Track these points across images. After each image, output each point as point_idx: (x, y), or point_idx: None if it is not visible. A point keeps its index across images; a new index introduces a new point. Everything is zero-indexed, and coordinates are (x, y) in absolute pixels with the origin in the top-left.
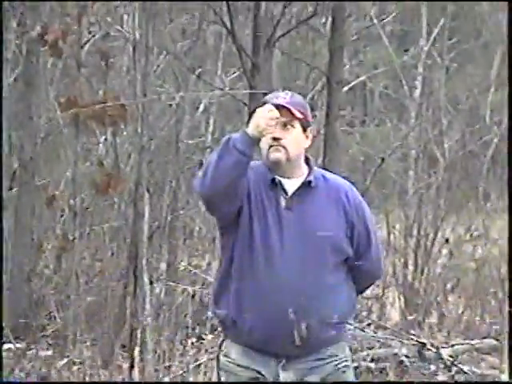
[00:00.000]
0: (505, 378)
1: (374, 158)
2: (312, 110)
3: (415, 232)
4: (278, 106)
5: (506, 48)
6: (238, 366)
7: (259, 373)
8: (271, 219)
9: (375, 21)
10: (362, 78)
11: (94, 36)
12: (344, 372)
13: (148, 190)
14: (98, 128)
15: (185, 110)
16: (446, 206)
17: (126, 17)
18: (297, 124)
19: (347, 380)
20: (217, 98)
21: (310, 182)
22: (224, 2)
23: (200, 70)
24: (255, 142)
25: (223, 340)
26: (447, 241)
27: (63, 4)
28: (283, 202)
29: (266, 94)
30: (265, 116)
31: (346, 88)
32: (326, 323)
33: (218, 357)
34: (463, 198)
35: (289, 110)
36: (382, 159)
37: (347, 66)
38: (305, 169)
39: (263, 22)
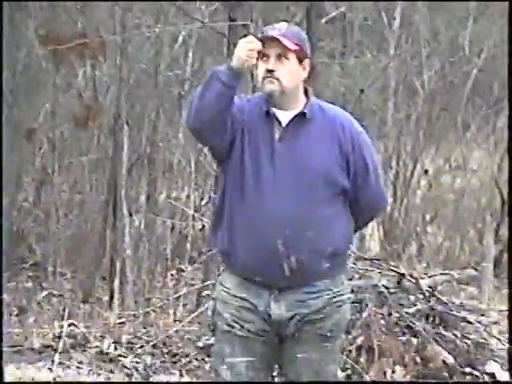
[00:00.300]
0: (483, 307)
1: (353, 89)
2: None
3: (394, 163)
4: (271, 38)
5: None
6: (233, 295)
7: (251, 303)
8: (264, 151)
9: None
10: (341, 10)
11: None
12: (338, 307)
13: (127, 123)
14: (77, 61)
15: (164, 42)
16: (425, 138)
17: None
18: (291, 56)
19: (340, 314)
20: (196, 30)
21: (304, 113)
22: None
23: (179, 1)
24: (239, 73)
25: (222, 270)
26: (426, 172)
27: None
28: (277, 134)
29: (245, 26)
30: (245, 47)
31: (325, 19)
32: (318, 255)
33: (214, 285)
34: (442, 129)
35: (280, 41)
36: (362, 90)
37: None
38: (303, 100)
39: None
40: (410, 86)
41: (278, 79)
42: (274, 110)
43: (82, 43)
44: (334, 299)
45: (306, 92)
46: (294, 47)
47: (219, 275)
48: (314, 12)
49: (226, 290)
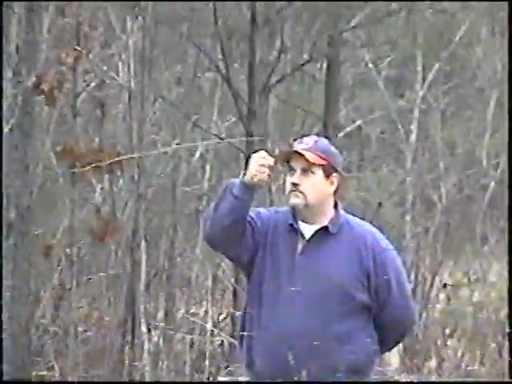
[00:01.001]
0: None
1: (371, 203)
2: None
3: (413, 277)
4: (295, 152)
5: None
6: None
7: None
8: (284, 264)
9: (370, 66)
10: (358, 123)
11: (89, 85)
12: None
13: (145, 238)
14: (94, 176)
15: (181, 157)
16: (443, 250)
17: (121, 65)
18: (317, 170)
19: None
20: (213, 145)
21: (327, 228)
22: (219, 49)
23: (196, 116)
24: (251, 188)
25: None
26: (445, 285)
27: (59, 52)
28: (299, 248)
29: (262, 140)
30: (257, 163)
31: (342, 133)
32: (330, 371)
33: None
34: (461, 242)
35: (303, 156)
36: (379, 204)
37: (343, 111)
38: (330, 214)
39: (258, 68)
40: (428, 199)
41: (302, 193)
42: (300, 223)
43: (99, 159)
44: None
45: (336, 205)
46: (319, 161)
47: None
48: (330, 125)
49: None
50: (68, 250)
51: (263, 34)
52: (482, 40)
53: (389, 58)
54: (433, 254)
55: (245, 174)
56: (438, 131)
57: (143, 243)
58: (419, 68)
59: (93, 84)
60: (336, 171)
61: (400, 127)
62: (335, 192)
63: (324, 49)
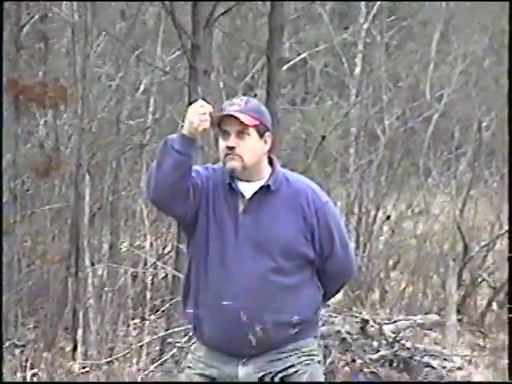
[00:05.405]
0: (447, 352)
1: (315, 136)
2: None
3: (356, 209)
4: (229, 116)
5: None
6: (202, 362)
7: (218, 369)
8: (228, 224)
9: None
10: (302, 56)
11: (32, 18)
12: (307, 364)
13: (89, 172)
14: (38, 110)
15: (125, 90)
16: (387, 183)
17: None
18: (252, 131)
19: (314, 369)
20: (157, 79)
21: (268, 185)
22: None
23: (140, 50)
24: (192, 140)
25: (194, 340)
26: (388, 218)
27: None
28: (241, 207)
29: (205, 73)
30: (196, 112)
31: (286, 66)
32: (284, 324)
33: (186, 354)
34: (404, 175)
35: (238, 119)
36: (323, 137)
37: (287, 45)
38: (267, 171)
39: (202, 2)
40: (371, 132)
41: (239, 156)
42: (238, 182)
43: (43, 92)
44: (305, 357)
45: (271, 162)
46: (253, 122)
47: (190, 346)
48: (274, 59)
49: (196, 358)
50: (11, 184)
51: None
52: None
53: None
54: (376, 186)
55: (182, 126)
56: (381, 64)
57: (87, 177)
58: (363, 1)
59: (36, 17)
60: (268, 130)
61: (344, 60)
62: (269, 150)
63: None
